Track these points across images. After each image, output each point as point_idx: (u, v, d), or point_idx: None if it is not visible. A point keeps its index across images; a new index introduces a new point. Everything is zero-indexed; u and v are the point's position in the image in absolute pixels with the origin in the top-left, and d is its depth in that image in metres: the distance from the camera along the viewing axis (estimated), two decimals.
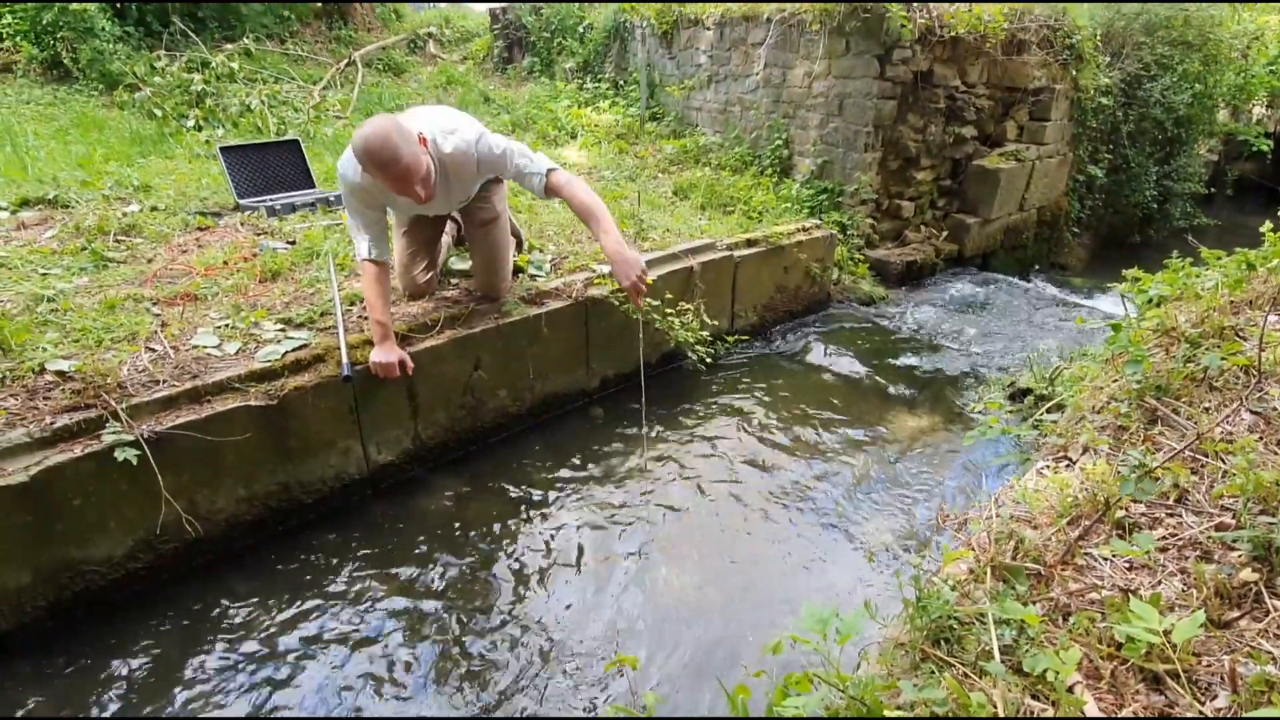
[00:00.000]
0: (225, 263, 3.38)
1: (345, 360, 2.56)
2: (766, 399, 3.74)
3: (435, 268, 3.17)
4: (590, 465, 3.15)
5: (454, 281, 3.35)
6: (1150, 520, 1.57)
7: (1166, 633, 1.04)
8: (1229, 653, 1.12)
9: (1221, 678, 1.10)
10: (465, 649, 2.26)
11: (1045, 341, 4.65)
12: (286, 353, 2.63)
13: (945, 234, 6.15)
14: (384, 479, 2.92)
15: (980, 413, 3.57)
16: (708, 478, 3.08)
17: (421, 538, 2.71)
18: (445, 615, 2.38)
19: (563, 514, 2.86)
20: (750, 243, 4.35)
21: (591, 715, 2.05)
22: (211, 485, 2.44)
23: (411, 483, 2.99)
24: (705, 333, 3.74)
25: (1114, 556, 1.46)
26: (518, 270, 3.43)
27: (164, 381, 2.41)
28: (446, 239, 3.33)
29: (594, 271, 3.55)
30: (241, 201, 4.37)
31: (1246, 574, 1.28)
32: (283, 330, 2.79)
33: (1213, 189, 9.23)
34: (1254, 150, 9.16)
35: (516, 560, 2.62)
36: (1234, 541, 1.34)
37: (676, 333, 3.64)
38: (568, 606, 2.42)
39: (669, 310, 3.64)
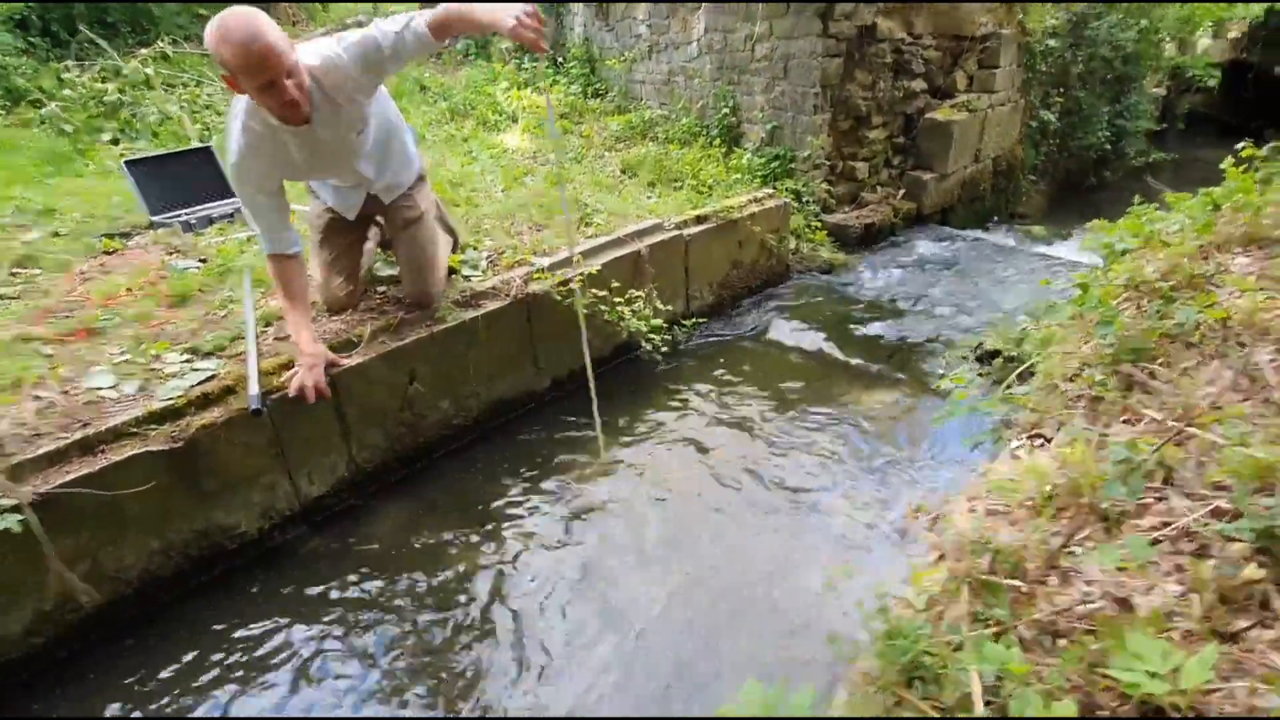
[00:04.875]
0: (128, 290, 3.09)
1: (254, 390, 2.32)
2: (728, 385, 3.56)
3: (357, 278, 2.93)
4: (546, 473, 2.96)
5: (380, 289, 3.11)
6: (1136, 507, 1.42)
7: (1174, 672, 0.89)
8: (1242, 679, 0.97)
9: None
10: (422, 694, 2.07)
11: (1010, 297, 4.54)
12: (191, 387, 2.38)
13: (902, 192, 6.00)
14: (320, 511, 2.69)
15: (947, 381, 3.43)
16: (670, 477, 2.91)
17: (366, 572, 2.50)
18: (394, 656, 2.18)
19: (519, 529, 2.67)
20: (700, 219, 4.14)
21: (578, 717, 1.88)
22: (116, 542, 2.21)
23: (352, 511, 2.77)
24: (659, 320, 3.55)
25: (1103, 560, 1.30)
26: (451, 271, 3.20)
27: (49, 435, 2.15)
28: (370, 244, 3.09)
29: (533, 265, 3.32)
30: (155, 219, 4.05)
31: (1251, 571, 1.13)
32: (188, 362, 2.54)
33: (1164, 124, 9.20)
34: (1201, 83, 9.13)
35: (472, 588, 2.43)
36: (1234, 532, 1.19)
37: (628, 322, 3.44)
38: (528, 635, 2.24)
39: (618, 300, 3.44)
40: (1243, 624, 1.06)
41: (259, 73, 2.05)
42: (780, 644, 2.17)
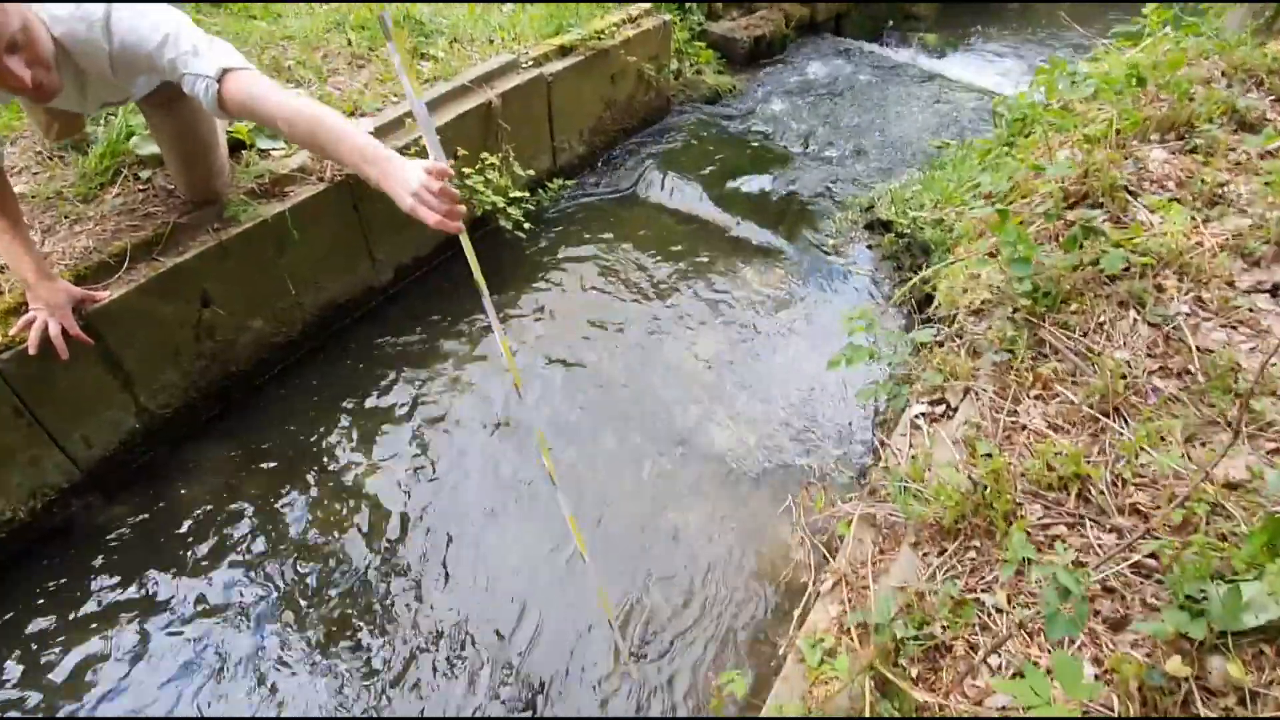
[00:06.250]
0: None
1: None
2: (598, 262, 3.14)
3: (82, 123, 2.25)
4: (392, 385, 2.57)
5: (143, 176, 2.37)
6: (1047, 537, 1.27)
7: None
8: None
9: None
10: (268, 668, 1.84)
11: (903, 128, 4.24)
12: None
13: None
14: (112, 473, 2.21)
15: (836, 252, 3.20)
16: (530, 387, 2.59)
17: (187, 537, 2.13)
18: (233, 634, 1.91)
19: (364, 461, 2.32)
20: (565, 50, 3.43)
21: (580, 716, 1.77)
22: None
23: (157, 465, 2.31)
24: (520, 191, 3.02)
25: (1007, 611, 1.16)
26: (238, 146, 2.47)
27: None
28: None
29: None
30: None
31: (1175, 665, 1.01)
32: None
33: None
34: None
35: (316, 542, 2.12)
36: (1159, 632, 1.05)
37: (482, 196, 2.90)
38: (378, 583, 2.01)
39: (467, 170, 2.86)
40: None
41: None
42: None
